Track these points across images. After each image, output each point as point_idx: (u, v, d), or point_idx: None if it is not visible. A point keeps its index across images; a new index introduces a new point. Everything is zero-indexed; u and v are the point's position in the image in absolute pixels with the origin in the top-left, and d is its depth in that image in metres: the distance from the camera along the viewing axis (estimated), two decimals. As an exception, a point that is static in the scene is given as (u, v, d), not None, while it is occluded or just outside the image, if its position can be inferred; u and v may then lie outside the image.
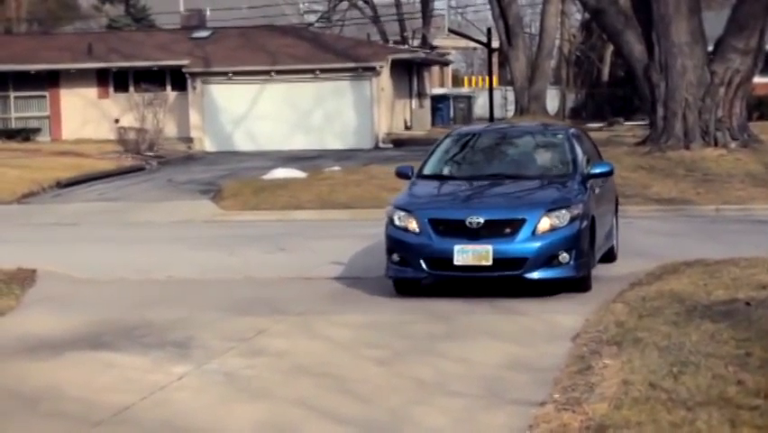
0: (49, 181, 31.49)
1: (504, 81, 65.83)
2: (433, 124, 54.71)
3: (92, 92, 48.93)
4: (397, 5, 67.04)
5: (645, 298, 12.17)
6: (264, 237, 19.94)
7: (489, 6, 57.42)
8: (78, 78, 48.53)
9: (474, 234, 13.50)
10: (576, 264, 13.55)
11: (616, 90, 54.73)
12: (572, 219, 13.66)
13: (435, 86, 64.12)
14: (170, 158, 41.50)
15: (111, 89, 48.94)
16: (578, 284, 13.80)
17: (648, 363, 9.21)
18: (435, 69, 65.49)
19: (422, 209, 14.07)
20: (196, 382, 9.76)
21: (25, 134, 48.07)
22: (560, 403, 8.44)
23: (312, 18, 68.65)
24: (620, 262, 15.97)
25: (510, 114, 58.52)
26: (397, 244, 14.00)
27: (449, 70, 74.40)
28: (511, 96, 59.09)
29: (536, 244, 13.45)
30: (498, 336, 11.33)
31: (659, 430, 7.51)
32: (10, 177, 31.30)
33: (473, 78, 78.64)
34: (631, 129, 45.23)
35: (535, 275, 13.48)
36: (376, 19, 65.95)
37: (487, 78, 57.93)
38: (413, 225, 13.89)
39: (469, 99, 59.54)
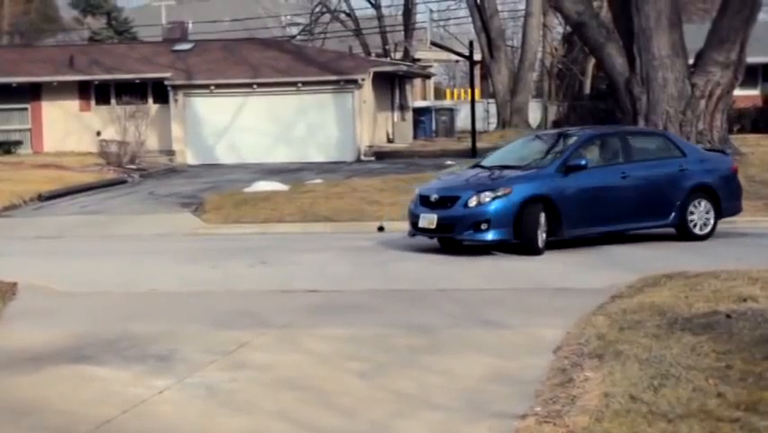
0: (30, 194, 31.43)
1: (486, 94, 65.93)
2: (415, 136, 54.75)
3: (74, 105, 48.83)
4: (379, 18, 67.12)
5: (626, 310, 12.20)
6: (246, 250, 19.94)
7: (471, 19, 57.54)
8: (60, 90, 48.44)
9: (431, 206, 19.25)
10: (495, 231, 18.53)
11: (598, 103, 54.86)
12: (494, 198, 18.57)
13: (418, 98, 64.21)
14: (152, 171, 41.44)
15: (93, 102, 48.85)
16: (517, 248, 18.65)
17: (629, 375, 9.23)
18: (418, 81, 65.58)
19: (421, 190, 20.16)
20: (178, 395, 9.74)
21: (6, 147, 47.92)
22: (541, 416, 8.45)
23: (294, 31, 68.66)
24: (600, 274, 16.03)
25: (492, 126, 58.63)
26: (408, 212, 20.07)
27: (431, 83, 74.52)
28: (493, 108, 59.23)
29: (461, 214, 18.67)
30: (479, 348, 11.34)
31: (640, 443, 7.53)
32: (-9, 190, 31.23)
33: (455, 91, 78.70)
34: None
35: (462, 237, 18.97)
36: (358, 32, 65.99)
37: (469, 90, 58.00)
38: (414, 199, 20.01)
39: (451, 112, 59.59)
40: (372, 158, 45.30)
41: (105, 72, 48.60)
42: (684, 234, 20.03)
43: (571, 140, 20.19)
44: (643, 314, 11.86)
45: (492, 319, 12.87)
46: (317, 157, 45.02)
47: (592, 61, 56.20)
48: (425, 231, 19.38)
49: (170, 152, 46.68)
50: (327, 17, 66.45)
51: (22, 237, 23.60)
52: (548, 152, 20.07)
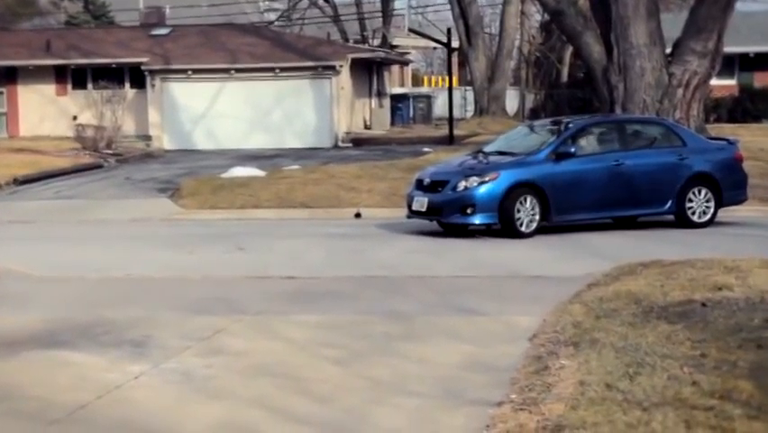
0: (5, 178, 31.26)
1: (464, 81, 65.96)
2: (392, 123, 54.74)
3: (50, 89, 48.65)
4: (358, 5, 66.97)
5: (603, 298, 12.23)
6: (223, 236, 19.91)
7: (449, 6, 57.51)
8: (36, 74, 48.25)
9: (424, 189, 19.84)
10: (481, 215, 19.06)
11: (575, 91, 54.90)
12: (481, 183, 19.08)
13: (395, 85, 64.16)
14: (129, 156, 41.29)
15: (69, 86, 48.68)
16: (497, 232, 19.26)
17: (605, 363, 9.25)
18: (395, 68, 65.54)
19: (419, 174, 20.89)
20: (154, 381, 9.72)
21: (-19, 131, 47.76)
22: (517, 403, 8.47)
23: (272, 17, 68.47)
24: (576, 262, 16.08)
25: (470, 114, 58.66)
26: (406, 195, 20.64)
27: (409, 70, 74.50)
28: (471, 96, 59.25)
29: (449, 198, 19.17)
30: (455, 336, 11.35)
31: (615, 431, 7.54)
32: (-34, 174, 31.08)
33: (433, 78, 78.71)
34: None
35: (450, 220, 19.51)
36: (336, 18, 65.86)
37: (446, 77, 58.00)
38: (413, 183, 20.69)
39: (428, 99, 59.60)
40: (350, 144, 45.27)
41: (82, 56, 48.41)
42: (682, 221, 20.21)
43: (566, 128, 20.40)
44: (619, 302, 11.89)
45: (468, 307, 12.88)
46: (295, 143, 44.96)
47: (570, 50, 56.23)
48: (417, 214, 19.96)
49: (147, 138, 46.54)
50: (305, 3, 66.26)
51: (-2, 222, 23.50)
52: (545, 139, 20.33)
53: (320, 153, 40.41)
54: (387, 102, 55.76)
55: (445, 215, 19.48)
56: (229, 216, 23.76)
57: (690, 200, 20.22)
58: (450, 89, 44.82)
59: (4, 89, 49.14)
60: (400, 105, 57.26)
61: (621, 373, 8.90)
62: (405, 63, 67.62)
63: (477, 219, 19.18)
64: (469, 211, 19.11)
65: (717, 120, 47.10)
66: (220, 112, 46.22)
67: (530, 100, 62.32)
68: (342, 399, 9.11)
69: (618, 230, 19.97)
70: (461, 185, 19.25)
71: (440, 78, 74.19)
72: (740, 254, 14.95)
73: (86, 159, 38.70)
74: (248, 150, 43.14)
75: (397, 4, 70.91)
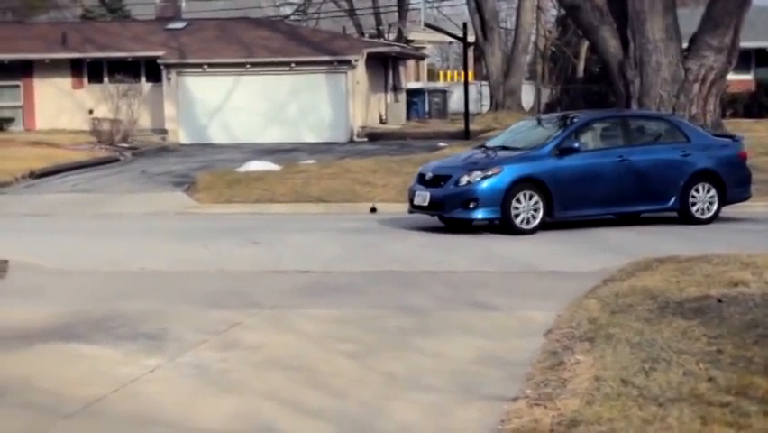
0: (22, 171, 31.35)
1: (479, 76, 65.86)
2: (408, 118, 54.65)
3: (66, 82, 48.72)
4: (374, -1, 66.91)
5: (618, 294, 12.20)
6: (238, 230, 19.92)
7: (464, 1, 57.41)
8: (53, 68, 48.31)
9: (426, 184, 19.69)
10: (484, 210, 18.90)
11: (591, 86, 54.75)
12: (484, 178, 18.91)
13: (411, 80, 64.10)
14: (145, 149, 41.37)
15: (85, 80, 48.74)
16: (499, 228, 19.06)
17: (620, 359, 9.23)
18: (411, 63, 65.46)
19: (421, 168, 20.79)
20: (169, 374, 9.72)
21: (-2, 124, 47.85)
22: (532, 399, 8.45)
23: (288, 11, 68.46)
24: (591, 258, 16.04)
25: (485, 108, 58.56)
26: (408, 189, 20.48)
27: (424, 64, 74.38)
28: (486, 90, 59.12)
29: (451, 192, 19.00)
30: (470, 331, 11.33)
31: (630, 426, 7.52)
32: (-18, 167, 31.17)
33: (449, 73, 78.58)
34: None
35: (452, 215, 19.32)
36: (352, 12, 65.80)
37: (462, 72, 57.89)
38: (415, 177, 20.56)
39: (444, 94, 59.47)
40: (365, 139, 45.25)
41: (98, 50, 48.47)
42: (686, 218, 20.14)
43: (570, 123, 20.33)
44: (634, 298, 11.85)
45: (483, 302, 12.87)
46: (310, 137, 44.96)
47: (586, 44, 56.07)
48: (419, 208, 19.81)
49: (163, 131, 46.60)
50: (321, -3, 66.25)
51: (14, 215, 23.55)
52: (549, 134, 20.18)
53: (335, 148, 40.41)
54: (402, 97, 55.69)
55: (447, 209, 19.35)
56: (244, 211, 23.77)
57: (694, 197, 20.13)
58: (465, 84, 44.77)
59: (20, 83, 49.22)
60: (416, 99, 57.16)
61: (637, 368, 8.88)
62: (420, 58, 67.51)
63: (479, 214, 19.07)
64: (471, 206, 18.99)
65: (734, 115, 46.91)
66: (235, 106, 46.23)
67: (546, 95, 62.16)
68: (356, 392, 9.11)
69: (631, 225, 19.90)
70: (464, 179, 19.11)
71: (455, 73, 74.08)
72: (756, 250, 14.88)
73: (102, 152, 38.78)
74: (263, 144, 43.16)
75: (412, -1, 70.78)
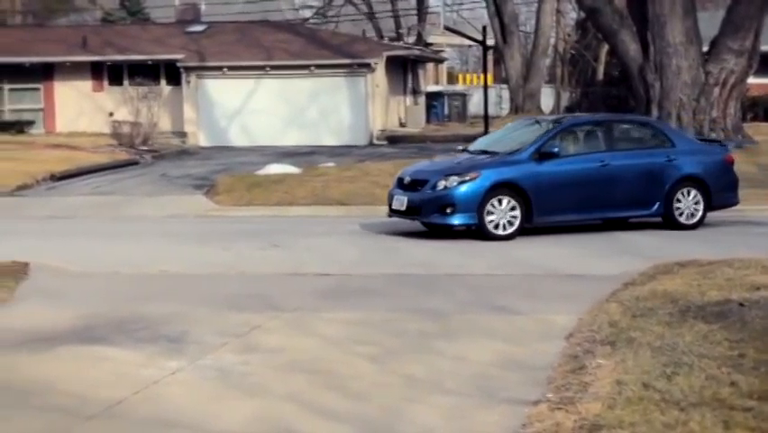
0: (42, 174, 31.47)
1: (499, 79, 65.79)
2: (427, 121, 54.66)
3: (86, 85, 48.89)
4: (393, 2, 66.95)
5: (639, 298, 12.17)
6: (258, 233, 19.95)
7: (484, 4, 57.38)
8: (73, 70, 48.49)
9: (404, 188, 19.53)
10: (461, 215, 18.63)
11: (610, 89, 54.63)
12: (461, 182, 18.69)
13: (430, 83, 64.07)
14: (164, 152, 41.48)
15: (105, 83, 48.91)
16: (474, 233, 18.85)
17: (641, 363, 9.21)
18: (430, 66, 65.45)
19: (401, 172, 20.53)
20: (190, 377, 9.74)
21: (19, 127, 48.04)
22: (553, 402, 8.44)
23: (307, 14, 68.56)
24: (611, 261, 16.02)
25: (505, 112, 58.51)
26: (388, 193, 20.30)
27: (444, 68, 74.34)
28: (506, 94, 59.08)
29: (428, 197, 18.83)
30: (490, 334, 11.32)
31: (652, 430, 7.51)
32: (3, 169, 31.30)
33: (468, 76, 78.54)
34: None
35: (429, 220, 19.18)
36: (371, 15, 65.85)
37: (481, 75, 57.83)
38: (395, 181, 20.35)
39: (463, 97, 59.47)
40: (385, 142, 45.26)
41: (118, 53, 48.64)
42: (670, 223, 19.84)
43: (551, 127, 20.08)
44: (655, 301, 11.83)
45: (503, 305, 12.85)
46: (329, 140, 45.01)
47: (605, 48, 55.97)
48: (397, 213, 19.66)
49: (183, 134, 46.72)
50: (341, 0, 66.33)
51: (35, 217, 23.63)
52: (531, 138, 19.82)
53: (355, 151, 40.43)
54: (422, 100, 55.71)
55: (424, 214, 19.15)
56: (264, 213, 23.79)
57: (679, 201, 19.83)
58: (485, 87, 44.74)
59: (41, 85, 49.43)
60: (435, 102, 57.17)
61: (658, 372, 8.86)
62: (440, 61, 67.52)
63: (456, 220, 18.80)
64: (448, 211, 18.75)
65: (754, 119, 46.75)
66: (255, 109, 46.33)
67: (565, 98, 62.11)
68: (377, 396, 9.11)
69: (649, 229, 19.84)
70: (441, 184, 18.89)
71: (475, 76, 74.03)
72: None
73: (123, 155, 38.90)
74: (283, 147, 43.22)
75: (432, 2, 70.85)
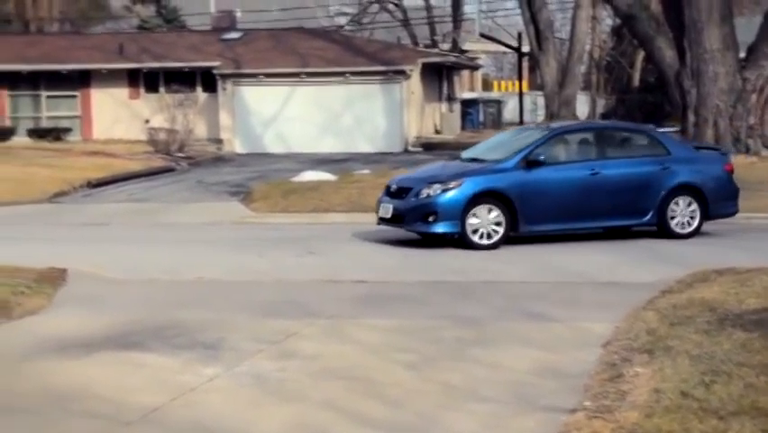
0: (79, 181, 31.66)
1: (534, 86, 65.69)
2: (462, 128, 54.63)
3: (123, 92, 49.14)
4: (428, 9, 66.97)
5: (676, 306, 12.12)
6: (294, 240, 19.98)
7: (519, 11, 57.30)
8: (109, 78, 48.75)
9: (391, 195, 19.48)
10: (443, 224, 18.43)
11: (646, 96, 54.48)
12: (444, 191, 18.53)
13: (465, 90, 64.07)
14: (200, 159, 41.63)
15: (142, 90, 49.15)
16: (456, 242, 18.59)
17: (679, 371, 9.17)
18: (465, 73, 65.46)
19: (390, 180, 20.63)
20: (227, 383, 9.77)
21: (56, 134, 48.37)
22: (591, 410, 8.41)
23: (342, 21, 68.67)
24: (646, 268, 15.96)
25: (540, 119, 58.39)
26: (377, 200, 20.16)
27: (479, 75, 74.35)
28: (541, 101, 58.90)
29: (412, 205, 18.73)
30: (527, 342, 11.30)
31: (690, 439, 7.48)
32: (41, 176, 31.52)
33: (503, 83, 78.48)
34: (661, 135, 44.96)
35: (412, 228, 19.02)
36: (406, 22, 65.88)
37: (517, 82, 57.79)
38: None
39: (498, 104, 59.46)
40: (420, 149, 45.27)
41: (154, 60, 48.86)
42: (664, 232, 19.51)
43: (541, 134, 19.74)
44: (693, 309, 11.78)
45: (540, 312, 12.83)
46: (364, 147, 45.06)
47: (641, 54, 55.83)
48: (383, 220, 19.60)
49: (218, 141, 46.88)
50: (376, 7, 66.40)
51: (72, 224, 23.76)
52: (521, 146, 19.50)
53: (390, 158, 40.45)
54: (457, 107, 55.70)
55: (408, 222, 18.98)
56: (300, 220, 23.83)
57: (673, 211, 19.50)
58: (520, 94, 44.73)
59: (78, 93, 49.71)
60: (470, 109, 57.17)
61: (696, 380, 8.82)
62: (475, 68, 67.50)
63: (439, 228, 18.57)
64: (431, 219, 18.55)
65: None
66: (290, 116, 46.45)
67: (601, 105, 61.95)
68: (413, 403, 9.11)
69: (681, 238, 19.74)
70: (424, 192, 18.74)
71: (510, 83, 73.96)
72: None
73: (159, 162, 39.06)
74: (318, 154, 43.30)
75: (467, 9, 70.88)
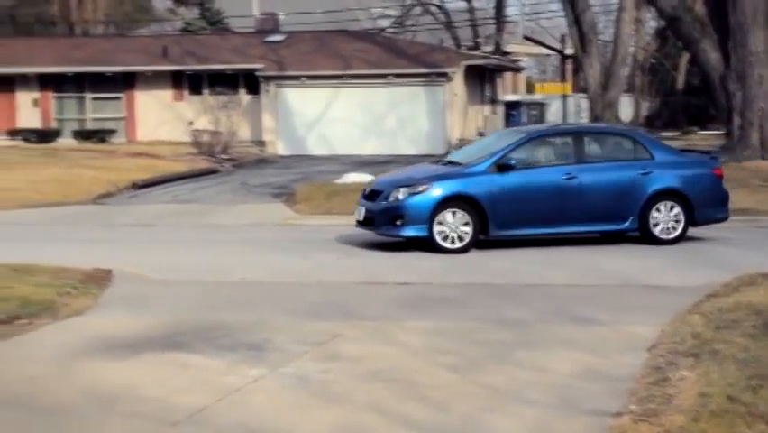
0: (124, 182, 31.85)
1: (577, 88, 65.48)
2: (505, 130, 54.45)
3: (167, 94, 49.40)
4: (471, 11, 66.89)
5: (722, 309, 12.05)
6: (336, 241, 20.01)
7: (563, 13, 57.14)
8: (154, 80, 49.02)
9: (366, 198, 19.51)
10: (411, 227, 18.43)
11: (690, 99, 54.26)
12: (412, 194, 18.52)
13: (508, 92, 63.93)
14: (244, 161, 41.76)
15: (186, 92, 49.38)
16: (426, 244, 18.52)
17: (726, 375, 9.12)
18: (508, 75, 65.30)
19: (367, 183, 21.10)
20: (272, 384, 9.80)
21: (101, 136, 48.70)
22: (636, 414, 8.38)
23: (385, 23, 68.70)
24: (693, 272, 15.87)
25: (584, 121, 58.19)
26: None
27: (522, 77, 74.17)
28: (585, 103, 58.73)
29: (381, 208, 18.75)
30: (571, 345, 11.27)
31: (737, 444, 7.44)
32: (86, 177, 31.73)
33: (546, 85, 78.25)
34: (706, 138, 44.87)
35: (381, 231, 19.02)
36: (449, 24, 65.85)
37: (560, 84, 57.62)
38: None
39: (542, 106, 59.28)
40: (462, 151, 45.15)
41: (198, 62, 49.08)
42: (646, 238, 19.22)
43: (516, 138, 19.46)
44: (739, 313, 11.70)
45: (584, 315, 12.79)
46: (407, 149, 45.03)
47: (685, 57, 55.60)
48: (358, 223, 19.63)
49: (261, 143, 47.01)
50: (418, 10, 66.38)
51: (117, 225, 23.89)
52: (496, 149, 19.32)
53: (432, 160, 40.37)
54: (500, 109, 55.60)
55: (377, 225, 19.01)
56: (343, 222, 23.82)
57: (655, 217, 19.15)
58: (564, 97, 44.56)
59: (122, 95, 50.02)
60: (513, 112, 57.03)
61: (743, 385, 8.76)
62: (518, 70, 67.34)
63: (406, 232, 18.58)
64: (398, 223, 18.58)
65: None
66: (333, 118, 46.52)
67: (645, 108, 61.70)
68: (457, 405, 9.11)
69: (732, 240, 19.63)
70: (393, 195, 18.76)
71: (553, 85, 73.75)
72: None
73: (203, 164, 39.22)
74: (361, 156, 43.34)
75: (510, 11, 70.73)
